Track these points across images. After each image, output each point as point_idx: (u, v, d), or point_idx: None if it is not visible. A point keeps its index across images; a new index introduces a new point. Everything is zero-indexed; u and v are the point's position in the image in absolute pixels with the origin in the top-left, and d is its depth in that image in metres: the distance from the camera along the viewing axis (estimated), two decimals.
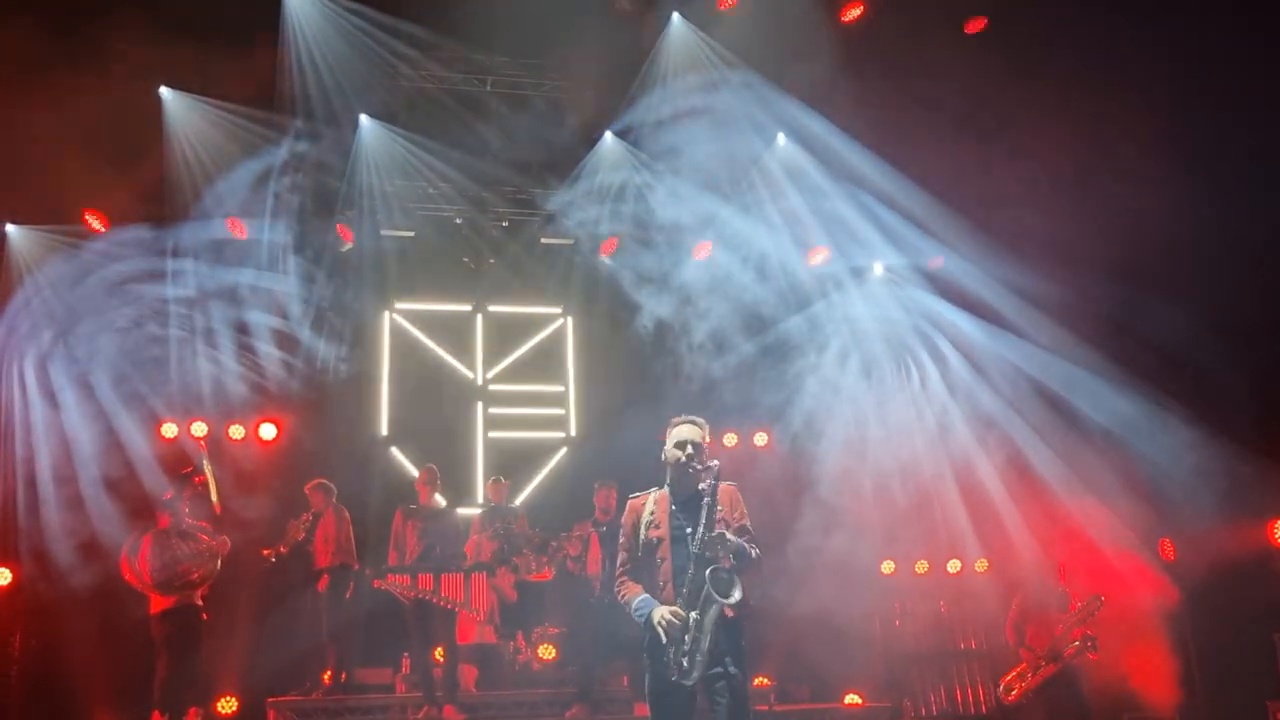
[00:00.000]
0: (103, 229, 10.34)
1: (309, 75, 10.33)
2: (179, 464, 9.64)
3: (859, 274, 12.07)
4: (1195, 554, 9.87)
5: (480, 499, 11.54)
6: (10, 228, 10.31)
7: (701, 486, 4.82)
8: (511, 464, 11.88)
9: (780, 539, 10.75)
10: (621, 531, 5.06)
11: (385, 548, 8.87)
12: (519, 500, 11.68)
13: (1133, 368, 10.10)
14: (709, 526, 4.69)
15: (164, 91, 10.32)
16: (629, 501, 5.12)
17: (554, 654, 9.95)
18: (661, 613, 4.66)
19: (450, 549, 8.80)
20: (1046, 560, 9.37)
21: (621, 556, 5.01)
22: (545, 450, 12.46)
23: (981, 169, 10.07)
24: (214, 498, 8.82)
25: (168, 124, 10.37)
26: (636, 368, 12.56)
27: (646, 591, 4.82)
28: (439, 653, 8.75)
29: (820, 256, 12.06)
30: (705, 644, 4.57)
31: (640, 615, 4.76)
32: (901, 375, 11.98)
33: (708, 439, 5.06)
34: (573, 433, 12.59)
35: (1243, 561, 9.54)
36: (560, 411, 12.69)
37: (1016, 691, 8.89)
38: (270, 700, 8.72)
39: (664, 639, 4.62)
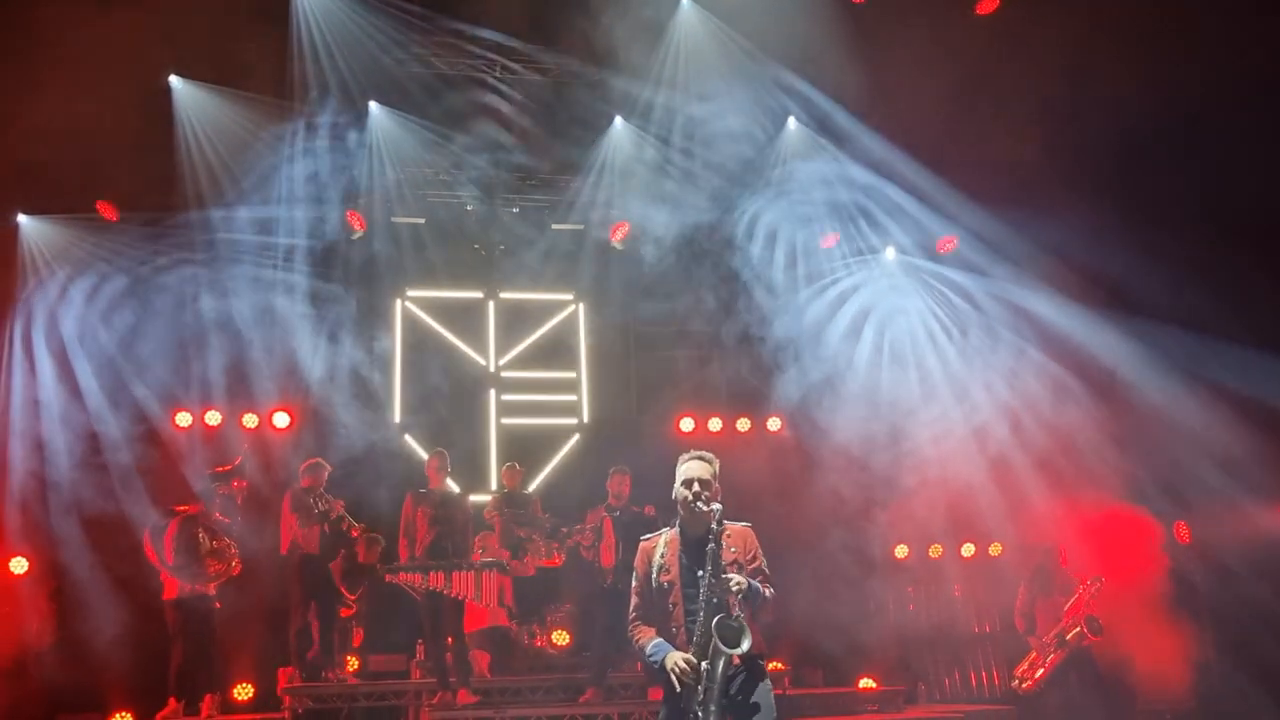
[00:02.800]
0: (115, 219, 10.39)
1: (319, 62, 10.32)
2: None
3: (873, 255, 12.01)
4: (1211, 536, 9.80)
5: (494, 485, 11.57)
6: (23, 218, 10.36)
7: (712, 527, 4.65)
8: (524, 450, 11.88)
9: (794, 524, 10.73)
10: (634, 575, 4.94)
11: (397, 534, 8.86)
12: (532, 486, 11.69)
13: (1153, 345, 10.02)
14: (715, 571, 4.56)
15: (174, 80, 10.33)
16: (640, 544, 4.96)
17: (568, 640, 9.99)
18: (675, 659, 4.56)
19: (460, 537, 8.75)
20: (1050, 545, 9.31)
21: (634, 601, 4.90)
22: (558, 436, 12.47)
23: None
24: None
25: (178, 113, 10.39)
26: (648, 353, 12.52)
27: (660, 636, 4.73)
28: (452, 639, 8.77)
29: (833, 240, 12.02)
30: (717, 693, 4.47)
31: (654, 660, 4.67)
32: (915, 358, 11.90)
33: (717, 475, 4.87)
34: (585, 419, 12.58)
35: (1258, 543, 9.47)
36: (573, 398, 12.68)
37: (1030, 682, 8.87)
38: (286, 687, 8.76)
39: (677, 687, 4.54)
